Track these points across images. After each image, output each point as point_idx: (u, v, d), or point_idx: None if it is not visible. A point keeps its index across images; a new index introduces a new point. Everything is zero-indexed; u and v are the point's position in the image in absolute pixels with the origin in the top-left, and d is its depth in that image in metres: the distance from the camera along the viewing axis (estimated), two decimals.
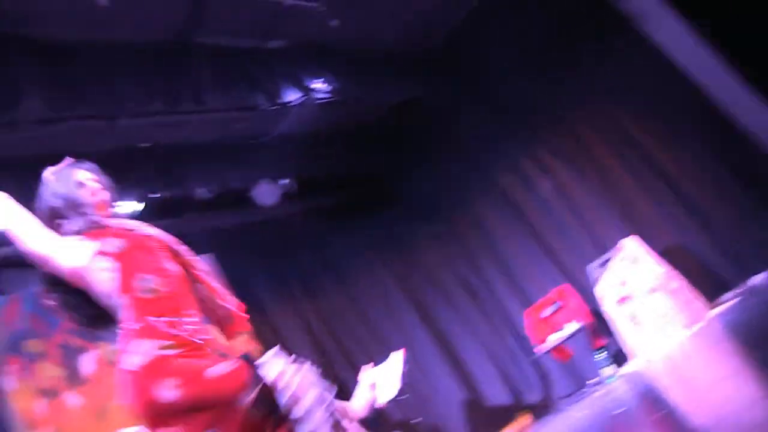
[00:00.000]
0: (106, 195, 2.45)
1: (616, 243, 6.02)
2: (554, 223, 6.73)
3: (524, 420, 6.67)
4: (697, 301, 5.51)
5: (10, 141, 4.73)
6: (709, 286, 5.88)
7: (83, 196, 2.39)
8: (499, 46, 6.47)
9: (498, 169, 7.03)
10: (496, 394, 7.02)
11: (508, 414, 6.81)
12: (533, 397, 6.87)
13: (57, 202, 2.37)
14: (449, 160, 7.19)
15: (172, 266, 2.32)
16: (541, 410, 6.65)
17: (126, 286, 2.18)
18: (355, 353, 7.05)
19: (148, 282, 2.20)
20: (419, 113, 6.95)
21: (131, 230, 2.36)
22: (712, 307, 5.65)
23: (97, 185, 2.44)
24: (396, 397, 5.24)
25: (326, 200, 7.46)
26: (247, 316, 2.51)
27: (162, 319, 2.14)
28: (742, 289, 5.73)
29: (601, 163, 6.49)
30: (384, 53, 6.37)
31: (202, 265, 2.45)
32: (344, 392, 2.59)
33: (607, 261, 5.93)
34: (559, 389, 6.64)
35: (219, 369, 2.09)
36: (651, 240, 6.11)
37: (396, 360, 5.38)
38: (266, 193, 6.56)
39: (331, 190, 7.36)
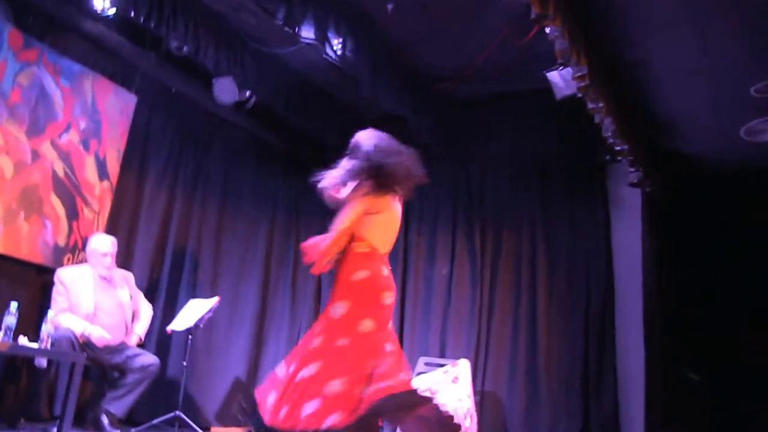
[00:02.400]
0: None
1: (457, 355, 6.18)
2: (424, 303, 6.80)
3: None
4: None
5: None
6: None
7: None
8: None
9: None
10: None
11: None
12: None
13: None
14: None
15: None
16: None
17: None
18: None
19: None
20: None
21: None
22: None
23: None
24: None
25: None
26: None
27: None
28: None
29: (495, 282, 6.62)
30: None
31: None
32: None
33: (438, 365, 6.02)
34: None
35: None
36: (482, 371, 6.27)
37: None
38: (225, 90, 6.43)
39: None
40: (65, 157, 5.53)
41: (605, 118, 5.03)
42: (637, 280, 6.30)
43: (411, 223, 7.07)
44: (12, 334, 4.35)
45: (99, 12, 5.45)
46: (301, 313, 7.39)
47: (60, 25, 5.60)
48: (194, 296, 6.27)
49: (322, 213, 7.61)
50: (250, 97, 6.65)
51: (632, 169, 5.92)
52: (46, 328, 4.64)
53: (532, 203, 6.77)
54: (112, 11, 5.45)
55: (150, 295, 6.00)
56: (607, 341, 6.08)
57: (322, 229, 7.25)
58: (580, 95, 4.94)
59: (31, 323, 4.91)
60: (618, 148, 5.49)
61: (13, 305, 4.39)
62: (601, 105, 4.86)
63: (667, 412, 6.19)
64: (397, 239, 3.70)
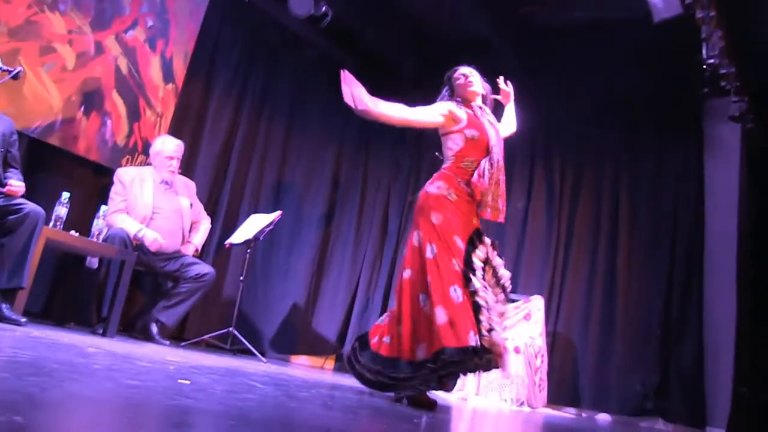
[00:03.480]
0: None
1: (530, 292, 5.80)
2: (498, 236, 6.39)
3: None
4: (543, 390, 5.23)
5: None
6: (564, 390, 5.66)
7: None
8: None
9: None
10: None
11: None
12: None
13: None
14: None
15: None
16: None
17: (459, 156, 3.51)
18: None
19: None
20: None
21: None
22: (549, 406, 5.40)
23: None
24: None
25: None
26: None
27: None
28: (585, 415, 5.50)
29: (572, 216, 6.21)
30: None
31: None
32: None
33: (510, 300, 5.65)
34: None
35: None
36: (556, 312, 5.91)
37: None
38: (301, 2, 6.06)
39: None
40: (130, 53, 5.26)
41: (714, 32, 4.47)
42: (731, 228, 5.75)
43: None
44: (63, 225, 4.13)
45: None
46: (365, 243, 7.05)
47: None
48: (255, 213, 5.99)
49: (392, 142, 7.39)
50: (326, 12, 6.26)
51: (735, 98, 5.34)
52: (98, 224, 4.42)
53: (618, 140, 6.25)
54: None
55: (210, 209, 5.76)
56: (694, 289, 5.58)
57: (392, 160, 7.11)
58: (688, 4, 4.39)
59: (84, 224, 4.69)
60: (723, 71, 4.92)
61: (65, 195, 4.17)
62: (712, 14, 4.31)
63: (756, 372, 5.68)
64: None
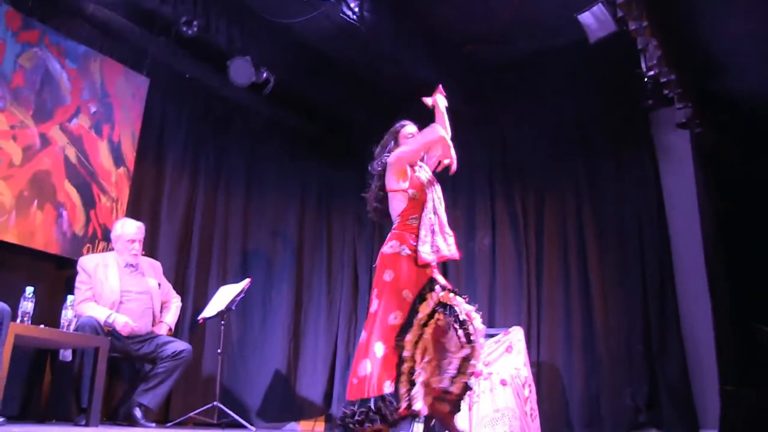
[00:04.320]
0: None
1: (508, 324, 5.79)
2: (469, 276, 6.42)
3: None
4: (535, 419, 5.18)
5: None
6: (555, 417, 5.63)
7: None
8: None
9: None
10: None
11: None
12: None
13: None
14: None
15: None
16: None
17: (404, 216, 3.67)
18: None
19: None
20: None
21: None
22: None
23: None
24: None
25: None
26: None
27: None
28: None
29: (539, 247, 6.26)
30: None
31: None
32: None
33: (489, 335, 5.62)
34: None
35: None
36: (537, 341, 5.90)
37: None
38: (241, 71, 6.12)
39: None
40: (77, 141, 5.24)
41: (649, 41, 4.59)
42: (695, 232, 5.83)
43: (446, 191, 6.67)
44: (30, 320, 4.05)
45: None
46: (338, 301, 7.01)
47: (62, 8, 5.32)
48: (224, 285, 5.93)
49: (355, 192, 7.36)
50: (268, 78, 6.32)
51: (680, 105, 5.45)
52: (67, 315, 4.35)
53: (574, 163, 6.33)
54: None
55: (178, 288, 5.69)
56: (669, 298, 5.62)
57: (356, 210, 7.10)
58: (619, 18, 4.52)
59: (52, 318, 4.61)
60: (664, 79, 5.04)
61: (29, 290, 4.10)
62: (644, 24, 4.43)
63: (740, 369, 5.70)
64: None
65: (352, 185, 6.31)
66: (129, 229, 5.02)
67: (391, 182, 3.71)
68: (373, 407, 3.19)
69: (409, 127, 3.90)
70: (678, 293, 5.64)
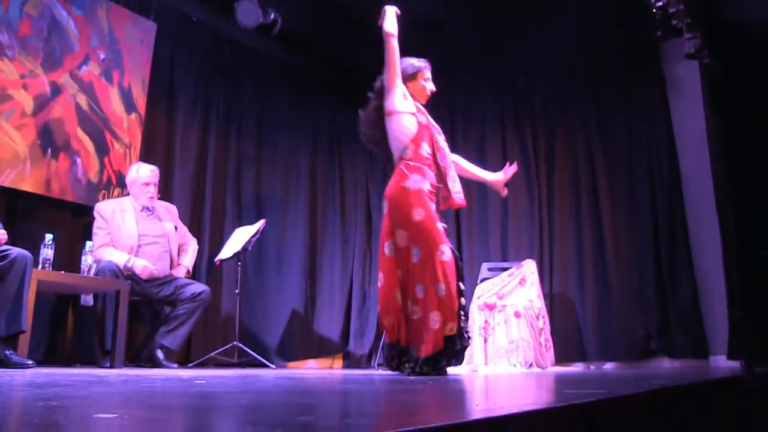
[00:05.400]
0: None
1: (520, 258, 5.85)
2: (481, 209, 6.46)
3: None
4: (549, 350, 5.29)
5: None
6: (570, 346, 5.73)
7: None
8: None
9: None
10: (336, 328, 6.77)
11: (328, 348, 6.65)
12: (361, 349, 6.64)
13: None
14: None
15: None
16: (358, 362, 6.48)
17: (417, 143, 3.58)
18: None
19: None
20: None
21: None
22: (558, 364, 5.46)
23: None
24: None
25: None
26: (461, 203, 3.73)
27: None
28: (593, 366, 5.57)
29: (550, 179, 6.28)
30: None
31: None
32: None
33: (502, 269, 5.72)
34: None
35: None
36: (550, 274, 5.96)
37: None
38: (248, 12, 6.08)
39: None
40: (87, 89, 5.26)
41: None
42: (704, 164, 5.84)
43: (457, 131, 6.70)
44: (51, 266, 4.14)
45: None
46: (353, 240, 7.08)
47: None
48: (239, 227, 6.00)
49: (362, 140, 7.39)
50: (276, 19, 6.28)
51: (689, 35, 5.39)
52: (87, 261, 4.43)
53: (584, 97, 6.32)
54: None
55: (194, 231, 5.77)
56: (678, 227, 5.68)
57: (365, 157, 7.12)
58: None
59: (72, 264, 4.70)
60: (672, 9, 4.99)
61: (48, 237, 4.18)
62: None
63: (748, 296, 5.77)
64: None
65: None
66: (144, 173, 5.07)
67: (393, 103, 3.61)
68: (444, 351, 3.31)
69: (428, 71, 3.87)
70: (688, 222, 5.69)
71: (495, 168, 6.44)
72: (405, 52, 3.84)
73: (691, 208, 5.76)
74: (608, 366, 5.56)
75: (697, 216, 5.72)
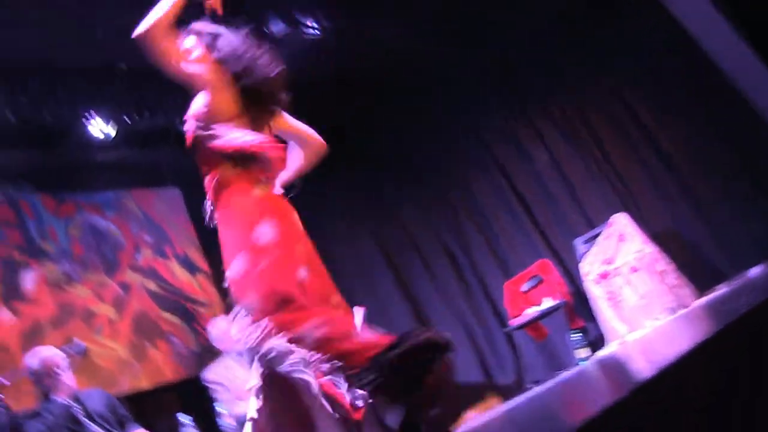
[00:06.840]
0: None
1: (605, 220, 5.68)
2: (545, 196, 6.35)
3: (492, 402, 6.34)
4: (684, 287, 5.11)
5: None
6: (701, 275, 5.51)
7: None
8: None
9: (491, 134, 6.64)
10: (467, 370, 6.60)
11: (475, 392, 6.48)
12: (504, 377, 6.49)
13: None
14: (437, 120, 6.76)
15: None
16: (509, 391, 6.30)
17: None
18: None
19: None
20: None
21: None
22: (701, 296, 5.26)
23: None
24: None
25: None
26: None
27: None
28: (736, 281, 5.36)
29: (597, 137, 6.10)
30: None
31: None
32: None
33: (594, 236, 5.58)
34: (532, 371, 6.23)
35: None
36: (643, 220, 5.74)
37: (356, 316, 5.03)
38: None
39: None
40: (150, 273, 5.46)
41: None
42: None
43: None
44: None
45: (103, 138, 5.35)
46: None
47: (78, 169, 5.55)
48: None
49: None
50: None
51: None
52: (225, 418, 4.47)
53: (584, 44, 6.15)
54: (112, 130, 5.34)
55: None
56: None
57: None
58: None
59: None
60: None
61: (185, 418, 4.22)
62: None
63: None
64: None
65: None
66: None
67: None
68: None
69: None
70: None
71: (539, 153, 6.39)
72: None
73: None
74: (752, 271, 5.23)
75: None
